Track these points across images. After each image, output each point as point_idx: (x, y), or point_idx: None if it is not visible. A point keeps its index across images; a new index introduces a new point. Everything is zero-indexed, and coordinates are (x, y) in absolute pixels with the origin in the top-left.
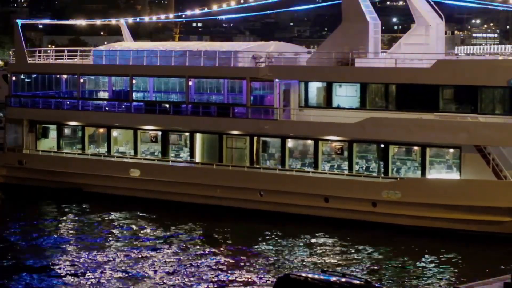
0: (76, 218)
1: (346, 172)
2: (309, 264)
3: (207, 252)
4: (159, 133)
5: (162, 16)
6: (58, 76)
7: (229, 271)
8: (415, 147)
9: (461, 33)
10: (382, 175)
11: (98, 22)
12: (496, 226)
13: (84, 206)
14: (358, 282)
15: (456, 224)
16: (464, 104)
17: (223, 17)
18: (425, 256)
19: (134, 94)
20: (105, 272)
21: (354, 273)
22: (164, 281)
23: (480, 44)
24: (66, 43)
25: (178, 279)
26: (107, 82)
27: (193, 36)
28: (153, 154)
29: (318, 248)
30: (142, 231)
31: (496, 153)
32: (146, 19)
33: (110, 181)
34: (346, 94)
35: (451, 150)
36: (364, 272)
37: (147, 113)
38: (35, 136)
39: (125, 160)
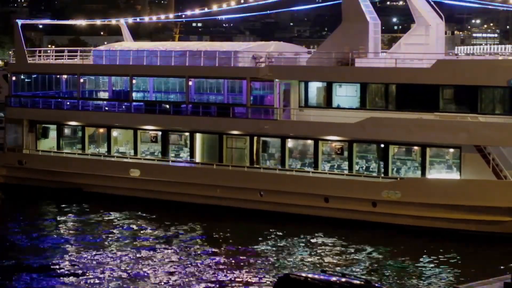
0: (76, 218)
1: (346, 172)
2: (309, 264)
3: (207, 252)
4: (159, 133)
5: (162, 16)
6: (58, 76)
7: (229, 271)
8: (415, 147)
9: (461, 33)
10: (382, 175)
11: (98, 22)
12: (496, 226)
13: (84, 206)
14: (358, 282)
15: (456, 224)
16: (464, 104)
17: (223, 17)
18: (425, 256)
19: (134, 94)
20: (105, 272)
21: (354, 273)
22: (164, 281)
23: (480, 44)
24: (66, 43)
25: (178, 279)
26: (107, 82)
27: (193, 36)
28: (153, 154)
29: (318, 248)
30: (142, 231)
31: (496, 153)
32: (146, 19)
33: (110, 181)
34: (346, 94)
35: (451, 150)
36: (364, 272)
37: (147, 113)
38: (35, 136)
39: (125, 160)
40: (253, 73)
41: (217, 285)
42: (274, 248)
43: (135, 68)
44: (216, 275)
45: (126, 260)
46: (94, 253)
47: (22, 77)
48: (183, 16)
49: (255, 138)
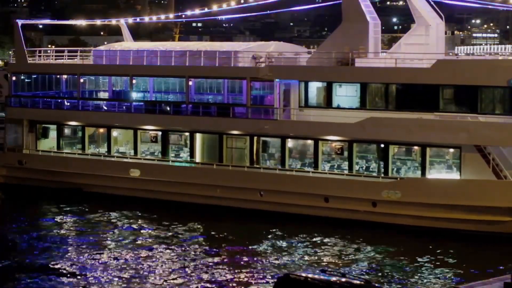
0: (76, 218)
1: (346, 172)
2: (309, 264)
3: (207, 252)
4: (159, 133)
5: (162, 16)
6: (58, 76)
7: (229, 271)
8: (415, 147)
9: (461, 33)
10: (382, 175)
11: (98, 22)
12: (496, 226)
13: (84, 206)
14: (358, 282)
15: (456, 224)
16: (464, 104)
17: (223, 17)
18: (425, 256)
19: (134, 94)
20: (105, 272)
21: (354, 273)
22: (164, 281)
23: (480, 44)
24: (66, 43)
25: (178, 279)
26: (107, 82)
27: (193, 36)
28: (153, 154)
29: (318, 248)
30: (142, 231)
31: (496, 153)
32: (146, 19)
33: (110, 181)
34: (346, 94)
35: (451, 150)
36: (364, 272)
37: (147, 113)
38: (35, 136)
39: (125, 160)
40: (253, 73)
41: (217, 285)
42: (274, 248)
43: (135, 68)
44: (216, 275)
45: (126, 260)
46: (94, 253)
47: (22, 77)
48: (183, 16)
49: (255, 138)
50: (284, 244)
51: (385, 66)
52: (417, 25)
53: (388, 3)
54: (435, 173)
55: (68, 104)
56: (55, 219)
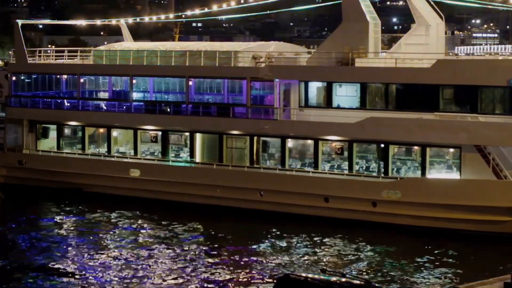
0: (76, 218)
1: (346, 172)
2: (309, 264)
3: (207, 252)
4: (159, 133)
5: (162, 16)
6: (58, 76)
7: (229, 271)
8: (415, 147)
9: (461, 33)
10: (382, 175)
11: (98, 22)
12: (496, 226)
13: (84, 206)
14: (358, 282)
15: (456, 224)
16: (464, 104)
17: (223, 17)
18: (425, 256)
19: (134, 94)
20: (105, 272)
21: (354, 273)
22: (164, 281)
23: (480, 44)
24: (66, 43)
25: (178, 279)
26: (107, 82)
27: (193, 36)
28: (153, 154)
29: (318, 248)
30: (142, 231)
31: (496, 153)
32: (146, 19)
33: (110, 181)
34: (346, 94)
35: (451, 150)
36: (364, 272)
37: (147, 113)
38: (35, 136)
39: (125, 160)
40: (253, 73)
41: (217, 285)
42: (274, 248)
43: (135, 68)
44: (216, 275)
45: (126, 260)
46: (94, 253)
47: (22, 77)
48: (183, 16)
49: (255, 138)
50: (284, 244)
51: (385, 66)
52: (417, 25)
53: (388, 3)
54: (435, 173)
55: (68, 104)
56: (55, 219)
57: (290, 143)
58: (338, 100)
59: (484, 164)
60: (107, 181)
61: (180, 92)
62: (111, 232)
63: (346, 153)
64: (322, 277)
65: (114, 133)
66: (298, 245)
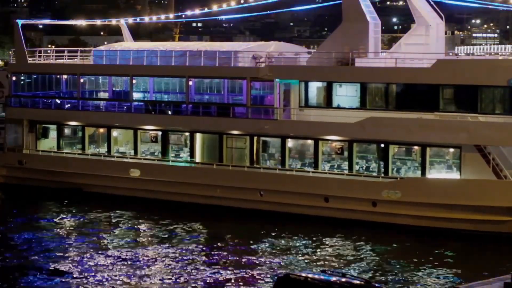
0: (76, 218)
1: (346, 172)
2: (309, 264)
3: (207, 252)
4: (159, 133)
5: (162, 16)
6: (58, 76)
7: (229, 271)
8: (415, 147)
9: (461, 33)
10: (382, 175)
11: (98, 22)
12: (496, 226)
13: (84, 206)
14: (358, 282)
15: (456, 224)
16: (464, 103)
17: (223, 17)
18: (425, 256)
19: (134, 94)
20: (105, 272)
21: (354, 273)
22: (164, 281)
23: (480, 44)
24: (66, 43)
25: (178, 279)
26: (107, 82)
27: (193, 36)
28: (153, 154)
29: (318, 248)
30: (142, 231)
31: (496, 152)
32: (146, 19)
33: (110, 181)
34: (346, 94)
35: (451, 150)
36: (364, 272)
37: (147, 113)
38: (35, 136)
39: (125, 160)
40: (253, 73)
41: (217, 285)
42: (274, 248)
43: (135, 68)
44: (216, 275)
45: (126, 260)
46: (94, 253)
47: (22, 77)
48: (183, 16)
49: (255, 138)
50: (284, 244)
51: (385, 66)
52: (417, 25)
53: (388, 3)
54: (435, 173)
55: (68, 104)
56: (55, 219)
57: (290, 143)
58: (338, 100)
59: (484, 164)
60: (107, 181)
61: (180, 92)
62: (111, 232)
63: (346, 153)
64: (322, 277)
65: (114, 133)
66: (298, 245)
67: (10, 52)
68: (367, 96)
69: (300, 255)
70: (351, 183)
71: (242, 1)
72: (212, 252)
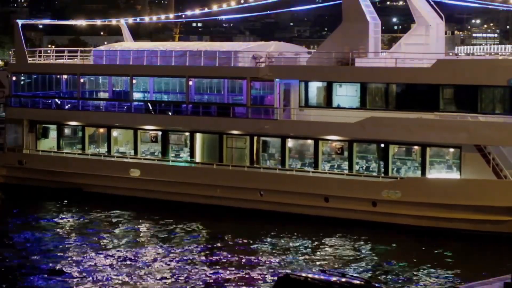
0: (76, 218)
1: (346, 172)
2: (309, 264)
3: (207, 252)
4: (159, 133)
5: (162, 16)
6: (58, 76)
7: (229, 271)
8: (415, 147)
9: (461, 33)
10: (382, 174)
11: (98, 22)
12: (496, 226)
13: (84, 206)
14: (358, 282)
15: (456, 224)
16: (464, 103)
17: (223, 17)
18: (425, 256)
19: (134, 94)
20: (105, 272)
21: (354, 273)
22: (164, 281)
23: (480, 44)
24: (66, 43)
25: (178, 279)
26: (107, 82)
27: (193, 36)
28: (153, 154)
29: (318, 248)
30: (142, 231)
31: (496, 152)
32: (146, 19)
33: (110, 181)
34: (346, 94)
35: (451, 150)
36: (364, 272)
37: (147, 113)
38: (35, 136)
39: (125, 160)
40: (253, 73)
41: (217, 285)
42: (274, 248)
43: (135, 68)
44: (216, 275)
45: (126, 260)
46: (94, 253)
47: (22, 77)
48: (183, 16)
49: (255, 138)
50: (284, 244)
51: (385, 66)
52: (417, 25)
53: (388, 3)
54: (435, 173)
55: (68, 104)
56: (55, 219)
57: (290, 143)
58: (338, 100)
59: (484, 164)
60: (107, 181)
61: (180, 92)
62: (111, 232)
63: (346, 153)
64: (322, 277)
65: (114, 133)
66: (298, 245)
67: (10, 52)
68: (367, 96)
69: (300, 255)
70: (351, 183)
71: (242, 1)
72: (212, 252)
